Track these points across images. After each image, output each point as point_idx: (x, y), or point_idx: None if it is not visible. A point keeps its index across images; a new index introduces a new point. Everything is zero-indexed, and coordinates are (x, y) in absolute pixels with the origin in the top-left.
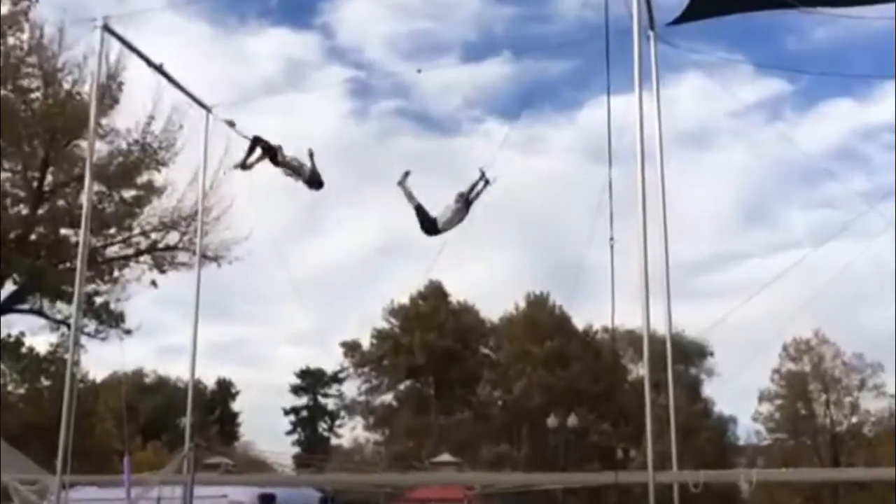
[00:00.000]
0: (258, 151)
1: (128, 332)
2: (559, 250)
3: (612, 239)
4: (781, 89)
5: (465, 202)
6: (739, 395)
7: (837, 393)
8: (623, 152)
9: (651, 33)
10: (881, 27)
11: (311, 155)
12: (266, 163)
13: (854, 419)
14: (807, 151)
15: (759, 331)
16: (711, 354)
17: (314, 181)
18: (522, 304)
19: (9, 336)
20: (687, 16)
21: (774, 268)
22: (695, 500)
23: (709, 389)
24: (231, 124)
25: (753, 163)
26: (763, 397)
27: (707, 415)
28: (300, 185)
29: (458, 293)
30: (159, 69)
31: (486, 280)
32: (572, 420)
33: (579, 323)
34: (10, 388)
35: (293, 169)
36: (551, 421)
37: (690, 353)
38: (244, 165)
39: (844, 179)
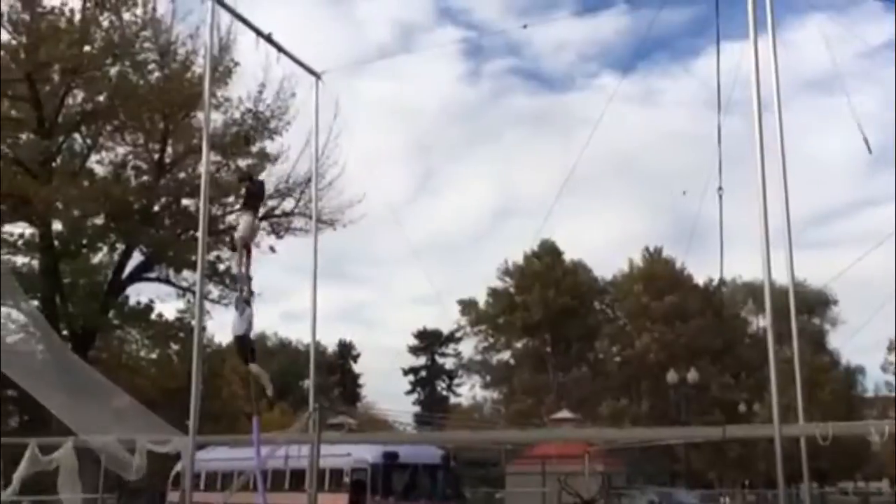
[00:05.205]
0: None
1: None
2: (675, 204)
3: (720, 188)
4: None
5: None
6: (867, 345)
7: None
8: (742, 100)
9: None
10: None
11: None
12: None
13: None
14: None
15: (888, 279)
16: (835, 304)
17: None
18: (638, 260)
19: (138, 304)
20: None
21: None
22: (820, 455)
23: (834, 340)
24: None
25: (884, 106)
26: (893, 347)
27: (833, 366)
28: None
29: (571, 251)
30: (268, 39)
31: (599, 236)
32: (692, 375)
33: (699, 277)
34: (141, 353)
35: None
36: (671, 376)
37: (813, 304)
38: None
39: None
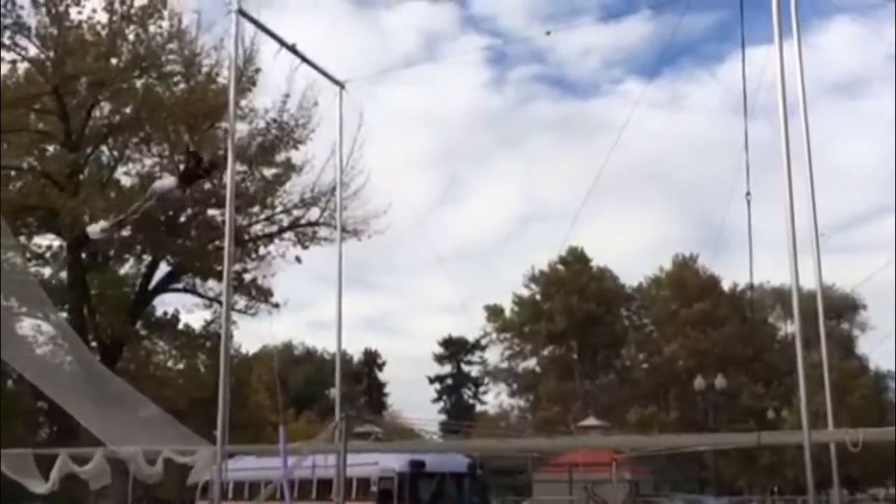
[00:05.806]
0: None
1: (276, 306)
2: (703, 210)
3: (748, 194)
4: None
5: None
6: None
7: None
8: (768, 105)
9: None
10: None
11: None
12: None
13: None
14: None
15: None
16: (864, 308)
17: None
18: (667, 266)
19: (165, 314)
20: None
21: None
22: (851, 461)
23: (863, 345)
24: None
25: None
26: None
27: (862, 372)
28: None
29: (596, 257)
30: (292, 49)
31: (624, 243)
32: (720, 381)
33: (725, 282)
34: (169, 363)
35: None
36: (698, 382)
37: (841, 309)
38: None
39: None
